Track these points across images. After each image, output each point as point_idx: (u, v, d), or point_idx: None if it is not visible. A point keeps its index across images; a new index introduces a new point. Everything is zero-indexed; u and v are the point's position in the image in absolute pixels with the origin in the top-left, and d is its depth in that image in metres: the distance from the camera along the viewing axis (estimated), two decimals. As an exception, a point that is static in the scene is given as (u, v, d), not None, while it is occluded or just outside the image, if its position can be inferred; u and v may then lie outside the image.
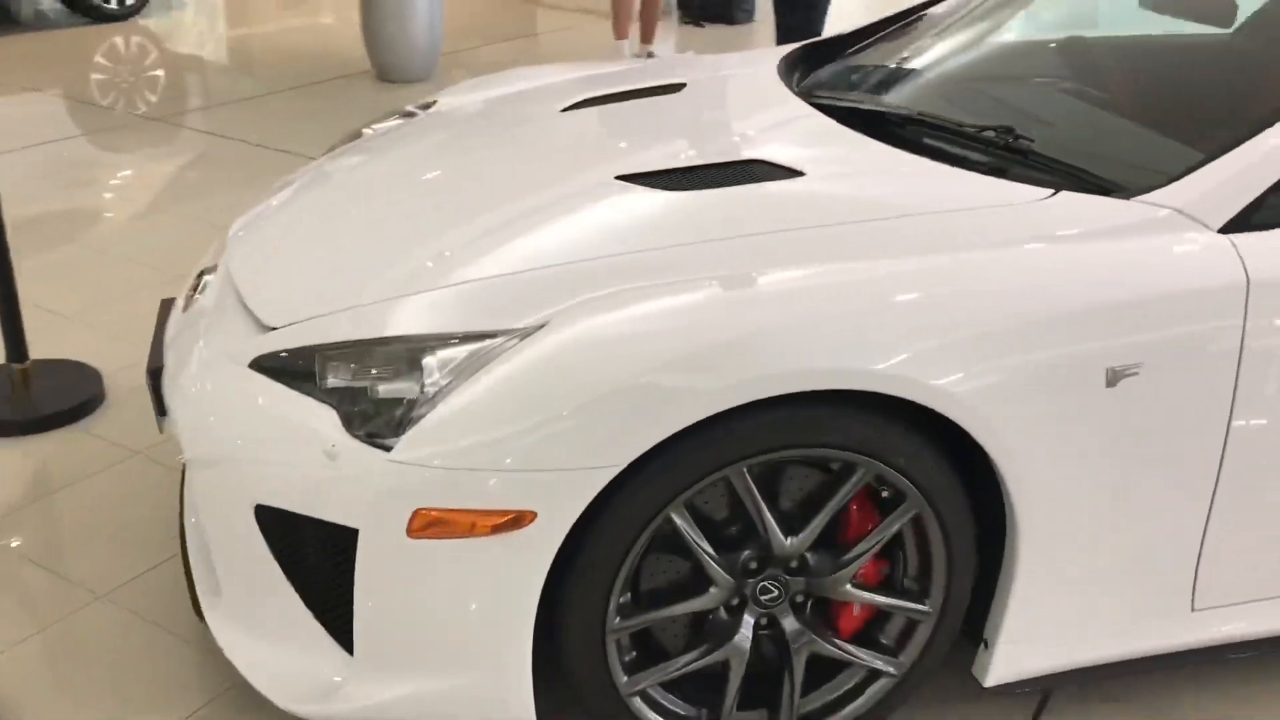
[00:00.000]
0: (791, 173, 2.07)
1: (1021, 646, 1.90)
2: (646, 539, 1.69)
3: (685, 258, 1.82)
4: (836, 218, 1.90)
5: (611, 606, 1.72)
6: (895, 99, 2.53)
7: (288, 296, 2.00)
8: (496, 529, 1.62)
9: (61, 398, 2.87)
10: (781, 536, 1.75)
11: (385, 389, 1.73)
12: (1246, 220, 1.86)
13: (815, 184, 2.06)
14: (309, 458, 1.73)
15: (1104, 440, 1.77)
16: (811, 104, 2.43)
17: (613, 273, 1.80)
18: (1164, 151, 2.10)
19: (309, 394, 1.80)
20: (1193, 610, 1.98)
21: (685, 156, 2.21)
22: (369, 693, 1.76)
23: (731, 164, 2.13)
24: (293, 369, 1.85)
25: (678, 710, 1.86)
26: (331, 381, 1.78)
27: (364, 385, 1.75)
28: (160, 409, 2.13)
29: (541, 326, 1.69)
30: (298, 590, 1.81)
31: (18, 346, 2.89)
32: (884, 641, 1.90)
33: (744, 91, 2.68)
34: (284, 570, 1.81)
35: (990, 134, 2.14)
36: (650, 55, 6.56)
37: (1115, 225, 1.87)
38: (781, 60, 2.77)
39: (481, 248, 1.98)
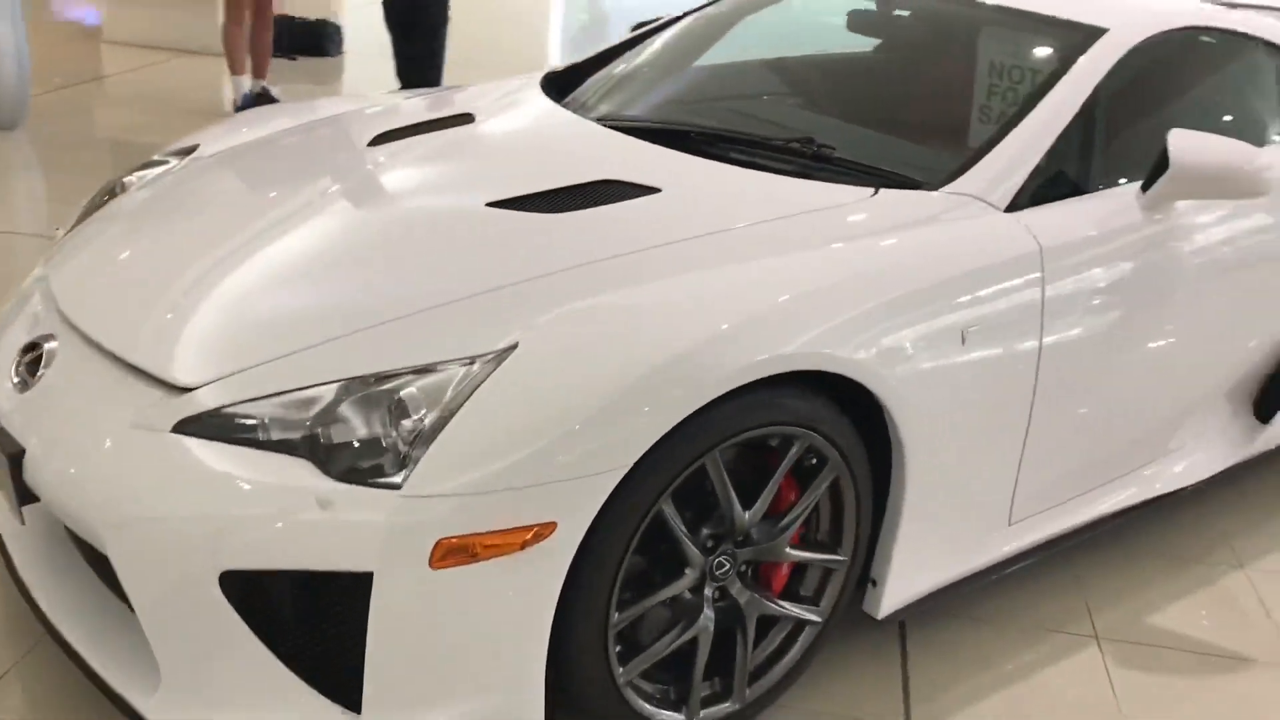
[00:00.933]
0: (649, 189, 2.26)
1: (903, 580, 2.22)
2: (642, 532, 1.81)
3: (611, 271, 1.96)
4: (718, 226, 2.12)
5: (614, 602, 1.82)
6: (679, 116, 2.80)
7: (193, 353, 1.90)
8: (525, 545, 1.68)
9: None
10: (741, 511, 1.94)
11: (365, 431, 1.72)
12: (1024, 200, 2.31)
13: (675, 198, 2.26)
14: (292, 511, 1.69)
15: (962, 389, 2.13)
16: (609, 127, 2.64)
17: (551, 292, 1.90)
18: (933, 151, 2.52)
19: (266, 448, 1.74)
20: (1009, 525, 2.40)
21: (538, 181, 2.31)
22: (377, 738, 1.74)
23: (588, 184, 2.28)
24: (231, 427, 1.78)
25: (654, 694, 1.99)
26: (294, 431, 1.74)
27: (341, 428, 1.73)
28: (24, 498, 1.92)
29: (513, 347, 1.77)
30: (276, 654, 1.74)
31: None
32: (805, 594, 2.15)
33: (537, 119, 2.81)
34: (259, 636, 1.74)
35: (796, 145, 2.46)
36: (265, 90, 6.38)
37: (933, 213, 2.25)
38: (545, 87, 2.94)
39: (399, 281, 1.99)
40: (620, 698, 1.91)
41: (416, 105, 2.95)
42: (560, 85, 3.07)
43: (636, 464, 1.74)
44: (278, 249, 2.17)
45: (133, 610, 1.78)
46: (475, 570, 1.68)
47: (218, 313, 1.99)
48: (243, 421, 1.78)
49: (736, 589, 2.02)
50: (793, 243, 2.09)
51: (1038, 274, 2.23)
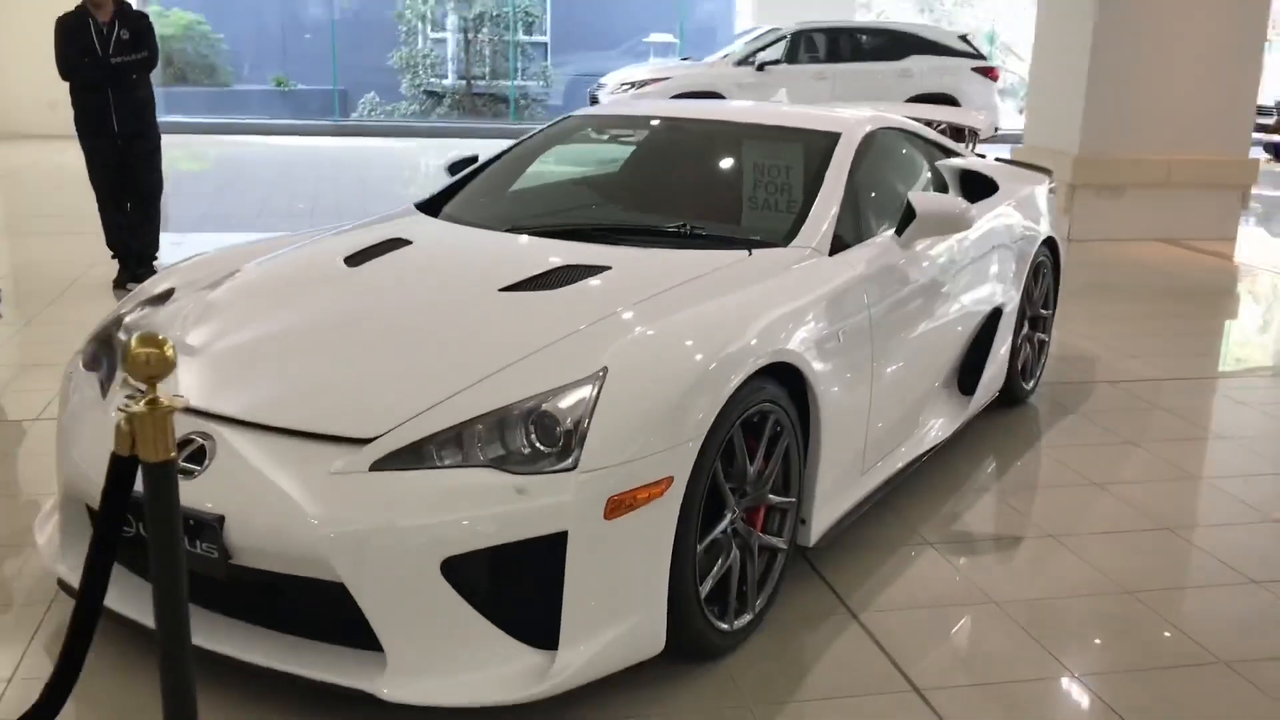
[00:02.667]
0: (602, 268, 3.09)
1: (822, 514, 3.15)
2: (708, 485, 2.62)
3: (629, 318, 2.77)
4: (672, 282, 2.99)
5: (697, 534, 2.60)
6: (569, 220, 3.65)
7: (361, 413, 2.48)
8: (655, 496, 2.44)
9: None
10: (750, 468, 2.79)
11: (520, 441, 2.41)
12: (834, 249, 3.38)
13: (625, 271, 3.09)
14: (496, 502, 2.34)
15: (842, 371, 3.12)
16: (520, 233, 3.45)
17: (601, 334, 2.68)
18: (762, 223, 3.54)
19: (455, 466, 2.39)
20: (863, 473, 3.42)
21: (516, 273, 3.06)
22: (577, 656, 2.39)
23: (553, 270, 3.07)
24: (417, 458, 2.40)
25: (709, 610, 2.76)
26: (465, 452, 2.39)
27: (499, 444, 2.40)
28: (225, 556, 2.39)
29: (605, 370, 2.53)
30: (488, 617, 2.36)
31: None
32: (771, 530, 3.01)
33: (462, 235, 3.53)
34: (473, 605, 2.35)
35: (676, 228, 3.40)
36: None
37: (793, 261, 3.25)
38: (428, 211, 3.72)
39: (481, 344, 2.68)
40: (701, 609, 2.67)
41: (348, 240, 3.52)
42: (433, 209, 3.83)
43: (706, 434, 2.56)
44: (366, 331, 2.78)
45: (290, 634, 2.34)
46: (630, 517, 2.41)
47: (359, 381, 2.59)
48: (428, 452, 2.41)
49: (742, 528, 2.85)
50: (728, 287, 3.00)
51: (863, 292, 3.30)
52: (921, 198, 3.58)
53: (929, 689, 2.71)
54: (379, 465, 2.40)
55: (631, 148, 4.20)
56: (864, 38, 13.95)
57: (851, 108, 4.47)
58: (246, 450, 2.49)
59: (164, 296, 3.19)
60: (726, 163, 3.89)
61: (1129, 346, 6.02)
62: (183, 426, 2.58)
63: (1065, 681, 2.78)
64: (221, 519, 2.39)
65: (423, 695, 2.35)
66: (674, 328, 2.74)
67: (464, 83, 22.95)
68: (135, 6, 6.46)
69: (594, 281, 3.01)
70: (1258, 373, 5.91)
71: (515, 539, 2.35)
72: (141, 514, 2.40)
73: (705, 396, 2.56)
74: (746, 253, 3.26)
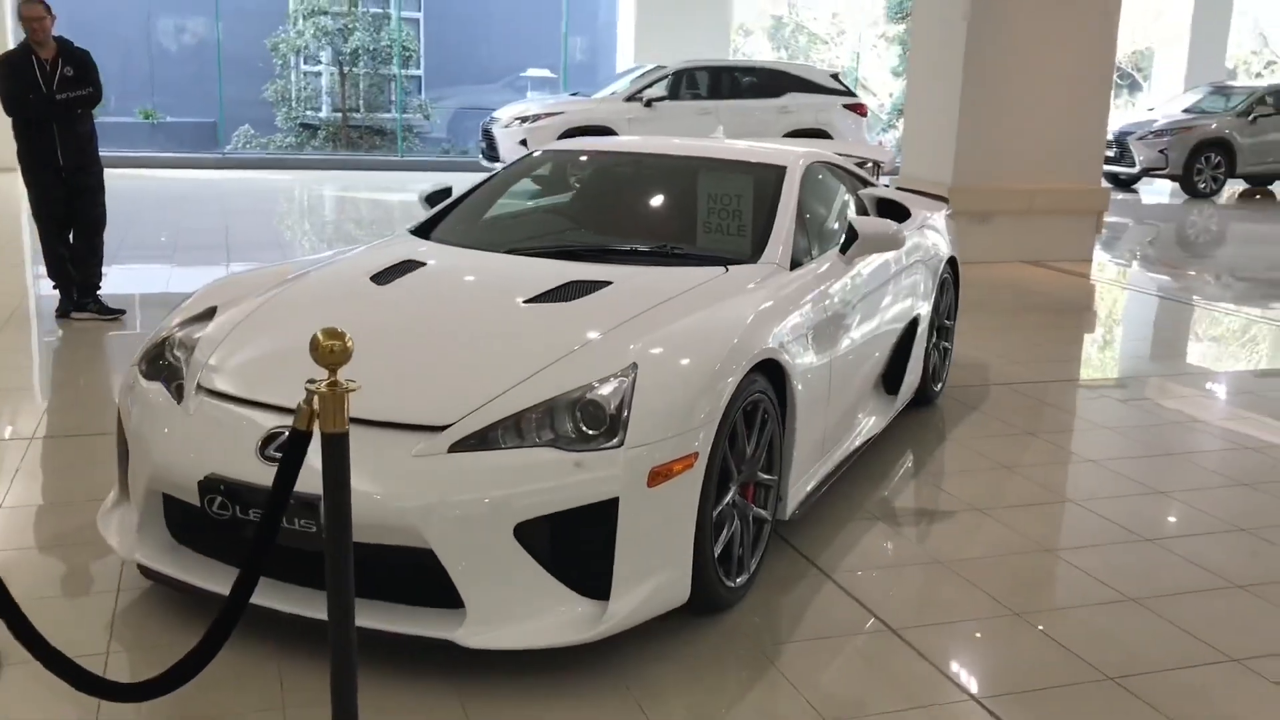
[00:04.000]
0: (605, 282, 3.56)
1: (794, 491, 3.68)
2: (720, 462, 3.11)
3: (643, 322, 3.25)
4: (669, 294, 3.48)
5: (712, 502, 3.09)
6: (563, 241, 4.10)
7: (435, 403, 2.90)
8: (685, 468, 2.92)
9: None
10: (748, 448, 3.30)
11: (570, 425, 2.87)
12: (793, 264, 3.93)
13: (625, 285, 3.57)
14: (558, 475, 2.79)
15: (812, 366, 3.66)
16: (514, 253, 3.91)
17: (623, 336, 3.16)
18: (729, 244, 4.06)
19: (518, 447, 2.83)
20: (822, 456, 3.96)
21: (531, 288, 3.51)
22: (624, 605, 2.86)
23: (565, 285, 3.53)
24: (487, 442, 2.84)
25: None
26: (539, 432, 2.85)
27: (555, 427, 2.86)
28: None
29: (634, 363, 3.01)
30: (551, 572, 2.81)
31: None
32: (759, 503, 3.51)
33: (469, 257, 3.96)
34: (539, 562, 2.80)
35: (658, 248, 3.90)
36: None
37: (764, 275, 3.79)
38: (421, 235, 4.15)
39: (527, 344, 3.12)
40: (715, 567, 3.15)
41: (364, 263, 3.89)
42: (424, 234, 4.26)
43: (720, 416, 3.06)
44: (416, 336, 3.20)
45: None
46: (668, 486, 2.89)
47: (423, 378, 3.01)
48: (493, 436, 2.85)
49: (739, 501, 3.35)
50: (718, 297, 3.51)
51: (822, 300, 3.86)
52: (862, 221, 4.17)
53: (901, 628, 3.25)
54: (455, 448, 2.83)
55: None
56: (744, 76, 14.75)
57: (786, 144, 5.05)
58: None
59: (208, 314, 3.53)
60: (690, 192, 4.39)
61: (1013, 354, 6.75)
62: (272, 421, 2.97)
63: (1009, 620, 3.35)
64: (318, 498, 2.78)
65: (497, 640, 2.77)
66: (685, 330, 3.24)
67: (339, 115, 23.07)
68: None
69: (602, 294, 3.48)
70: (1123, 372, 6.71)
71: (575, 505, 2.80)
72: (239, 500, 2.82)
73: (718, 387, 3.06)
74: (724, 269, 3.78)
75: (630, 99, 13.99)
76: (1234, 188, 17.84)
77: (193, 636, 2.97)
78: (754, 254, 3.93)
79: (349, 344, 2.22)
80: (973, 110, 9.62)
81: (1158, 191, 17.79)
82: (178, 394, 3.20)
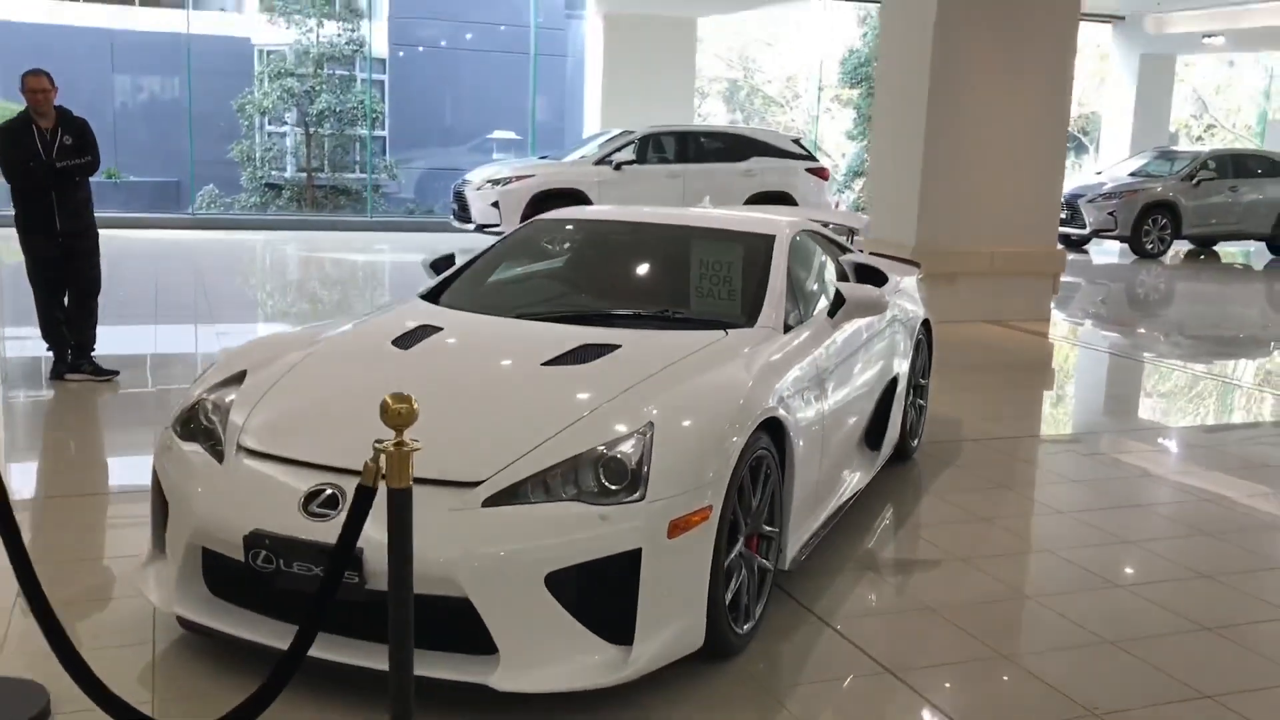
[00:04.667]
0: (614, 345, 3.79)
1: (792, 542, 3.90)
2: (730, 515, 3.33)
3: (656, 383, 3.48)
4: (676, 356, 3.71)
5: (724, 553, 3.30)
6: (563, 307, 4.33)
7: (466, 461, 3.11)
8: (703, 519, 3.14)
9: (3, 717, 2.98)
10: (755, 501, 3.52)
11: (593, 481, 3.08)
12: (786, 328, 4.18)
13: (635, 348, 3.80)
14: (585, 527, 3.00)
15: (807, 422, 3.91)
16: (523, 318, 4.14)
17: (640, 395, 3.38)
18: (724, 309, 4.31)
19: (546, 501, 3.04)
20: (814, 510, 4.18)
21: (547, 351, 3.72)
22: (646, 650, 3.05)
23: (577, 349, 3.75)
24: (518, 496, 3.05)
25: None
26: (564, 487, 3.06)
27: (578, 482, 3.07)
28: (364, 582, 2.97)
29: (650, 422, 3.23)
30: (578, 618, 3.00)
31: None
32: (762, 553, 3.72)
33: (483, 322, 4.17)
34: (567, 609, 2.99)
35: (660, 313, 4.15)
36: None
37: (762, 339, 4.03)
38: (450, 303, 4.35)
39: (548, 405, 3.34)
40: (725, 614, 3.35)
41: (382, 328, 4.11)
42: (432, 298, 4.49)
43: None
44: (443, 397, 3.38)
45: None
46: (686, 537, 3.10)
47: (454, 437, 3.20)
48: (522, 491, 3.05)
49: (745, 552, 3.56)
50: (722, 359, 3.75)
51: (814, 362, 4.11)
52: (848, 287, 4.45)
53: (900, 670, 3.47)
54: (488, 503, 3.03)
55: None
56: (709, 140, 15.16)
57: (772, 213, 5.35)
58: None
59: (238, 378, 3.70)
60: (684, 259, 4.65)
61: (982, 410, 7.05)
62: (312, 479, 3.16)
63: (997, 660, 3.58)
64: (361, 551, 2.97)
65: (528, 684, 2.96)
66: (695, 391, 3.47)
67: (305, 175, 23.26)
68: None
69: (614, 356, 3.70)
70: (1084, 428, 7.02)
71: (601, 555, 3.00)
72: (283, 554, 3.00)
73: (728, 445, 3.29)
74: (723, 333, 4.02)
75: (599, 162, 14.32)
76: (1179, 248, 18.46)
77: (231, 684, 3.15)
78: (750, 318, 4.18)
79: (415, 407, 2.42)
80: (934, 176, 10.02)
81: (1107, 252, 18.37)
82: (217, 455, 3.38)
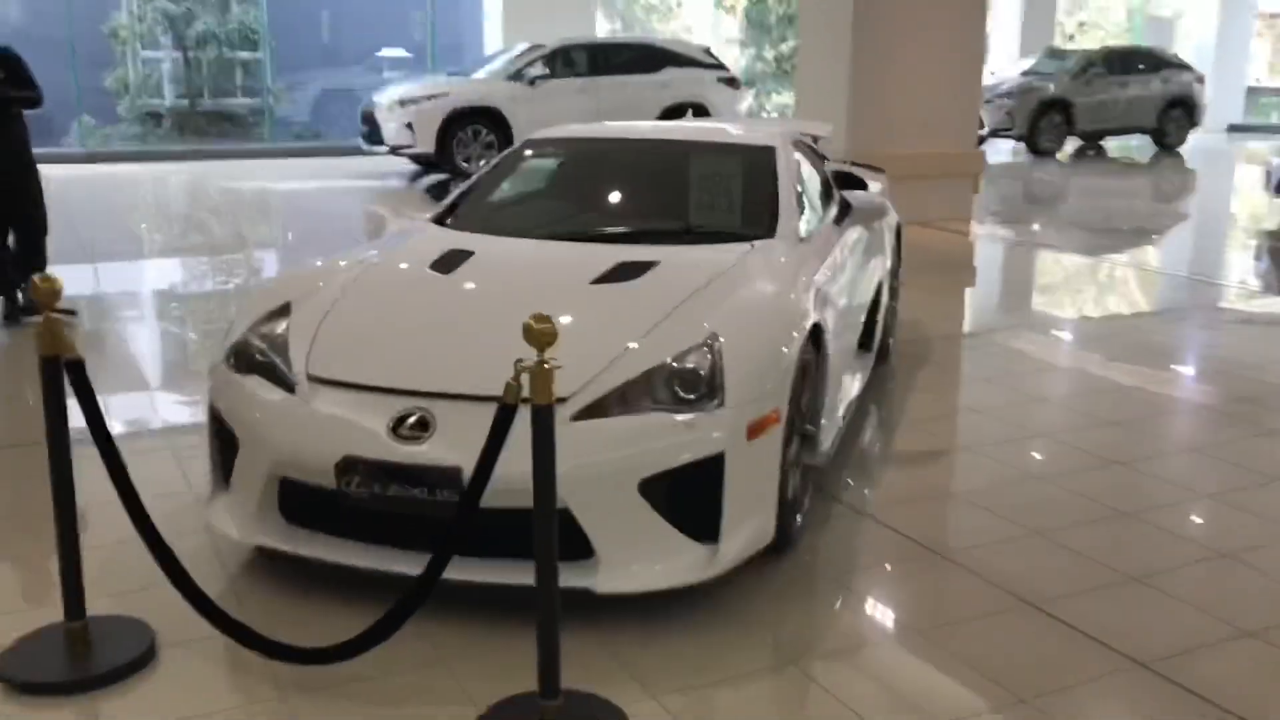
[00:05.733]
0: (653, 262, 3.88)
1: (825, 439, 4.09)
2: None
3: (704, 295, 3.59)
4: (715, 271, 3.82)
5: (786, 453, 3.47)
6: (594, 226, 4.39)
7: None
8: (773, 422, 3.30)
9: (115, 655, 2.97)
10: (803, 401, 3.69)
11: (665, 391, 3.20)
12: (803, 235, 4.34)
13: (672, 263, 3.89)
14: (672, 435, 3.13)
15: (833, 329, 4.08)
16: (555, 239, 4.20)
17: (696, 306, 3.50)
18: (742, 221, 4.42)
19: (628, 413, 3.15)
20: (836, 409, 4.38)
21: (591, 270, 3.79)
22: (731, 547, 3.22)
23: (619, 266, 3.83)
24: (604, 409, 3.16)
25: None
26: (640, 399, 3.17)
27: (661, 391, 3.19)
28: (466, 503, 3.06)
29: (714, 333, 3.36)
30: (669, 521, 3.15)
31: (74, 605, 2.97)
32: (806, 451, 3.90)
33: (511, 244, 4.21)
34: (659, 512, 3.14)
35: (686, 228, 4.26)
36: None
37: (789, 247, 4.17)
38: (464, 226, 4.39)
39: (617, 316, 3.44)
40: (789, 509, 3.54)
41: (412, 254, 4.14)
42: (440, 221, 4.53)
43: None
44: (505, 317, 3.33)
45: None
46: (761, 439, 3.26)
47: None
48: (606, 404, 3.16)
49: (795, 450, 3.74)
50: (761, 269, 3.88)
51: (833, 266, 4.28)
52: (853, 195, 4.61)
53: (944, 550, 3.71)
54: (577, 417, 3.14)
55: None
56: (621, 52, 15.07)
57: (761, 125, 5.45)
58: (463, 417, 3.15)
59: (282, 310, 3.69)
60: (690, 175, 4.72)
61: (937, 309, 7.34)
62: (397, 405, 3.21)
63: (1031, 536, 3.84)
64: (459, 470, 3.05)
65: (628, 584, 3.10)
66: (747, 303, 3.60)
67: (186, 102, 22.39)
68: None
69: (656, 273, 3.79)
70: (1040, 318, 7.38)
71: (688, 461, 3.14)
72: (378, 478, 3.07)
73: (788, 350, 3.44)
74: (749, 245, 4.13)
75: (512, 78, 14.14)
76: (1071, 145, 19.12)
77: (314, 606, 3.22)
78: (768, 230, 4.29)
79: (556, 327, 2.51)
80: (862, 84, 10.22)
81: (1000, 151, 18.92)
82: (286, 386, 3.39)
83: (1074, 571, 3.59)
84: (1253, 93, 26.01)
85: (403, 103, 13.86)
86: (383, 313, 3.66)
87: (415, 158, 14.37)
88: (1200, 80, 19.08)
